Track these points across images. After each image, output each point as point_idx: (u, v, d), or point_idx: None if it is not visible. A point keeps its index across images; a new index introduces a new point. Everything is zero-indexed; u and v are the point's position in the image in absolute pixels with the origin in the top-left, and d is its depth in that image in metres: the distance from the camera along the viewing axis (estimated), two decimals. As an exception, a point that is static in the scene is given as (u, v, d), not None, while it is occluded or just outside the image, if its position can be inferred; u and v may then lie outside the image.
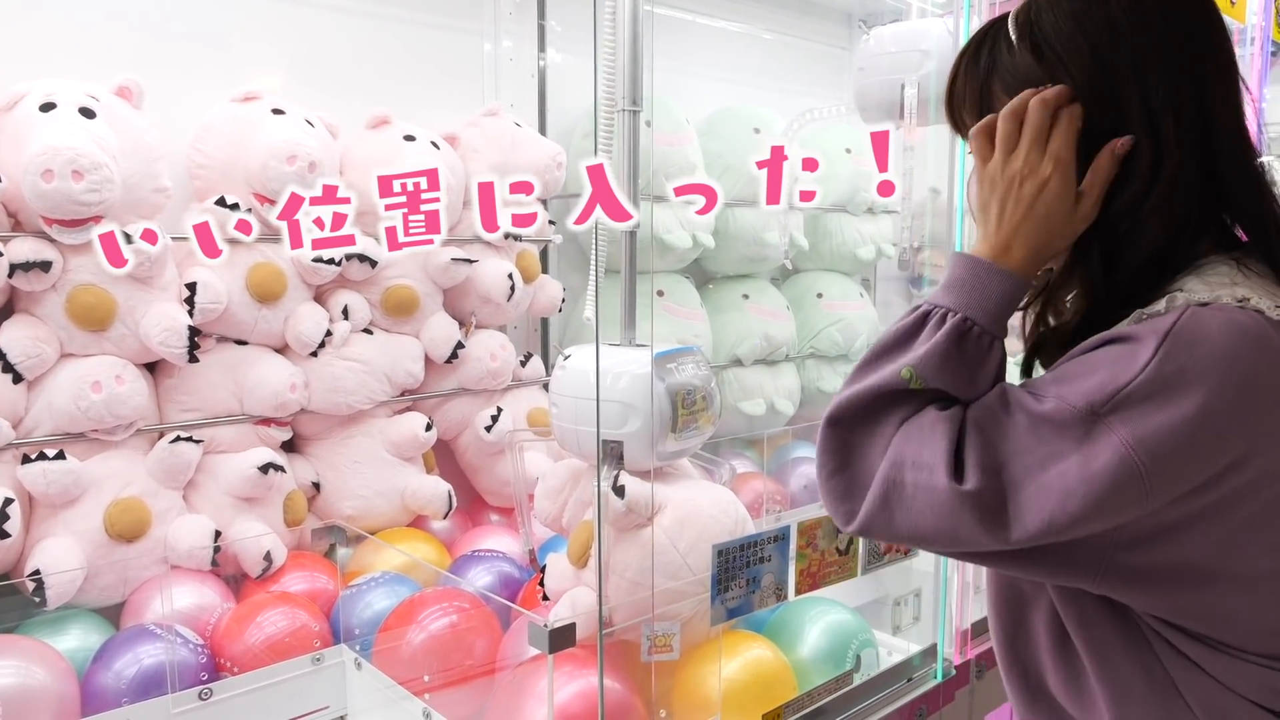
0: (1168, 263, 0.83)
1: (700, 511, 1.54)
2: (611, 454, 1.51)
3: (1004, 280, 0.83)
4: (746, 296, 3.03)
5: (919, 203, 2.82)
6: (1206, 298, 0.76)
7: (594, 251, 1.61)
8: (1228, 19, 2.63)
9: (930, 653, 1.74)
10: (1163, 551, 0.77)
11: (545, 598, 1.65)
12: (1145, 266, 0.83)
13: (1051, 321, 0.92)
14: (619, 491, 1.45)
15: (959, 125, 0.93)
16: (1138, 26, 0.82)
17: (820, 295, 3.24)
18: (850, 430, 0.83)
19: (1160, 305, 0.78)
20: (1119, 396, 0.73)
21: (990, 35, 0.89)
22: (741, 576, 1.34)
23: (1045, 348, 0.91)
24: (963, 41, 1.64)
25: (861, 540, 1.57)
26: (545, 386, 2.58)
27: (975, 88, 0.89)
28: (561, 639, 1.23)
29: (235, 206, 1.92)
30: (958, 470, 0.77)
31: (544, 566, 1.68)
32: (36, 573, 1.68)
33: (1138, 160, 0.81)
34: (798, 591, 1.44)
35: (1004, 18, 0.88)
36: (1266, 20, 2.84)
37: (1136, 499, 0.73)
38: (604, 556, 1.47)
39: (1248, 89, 0.89)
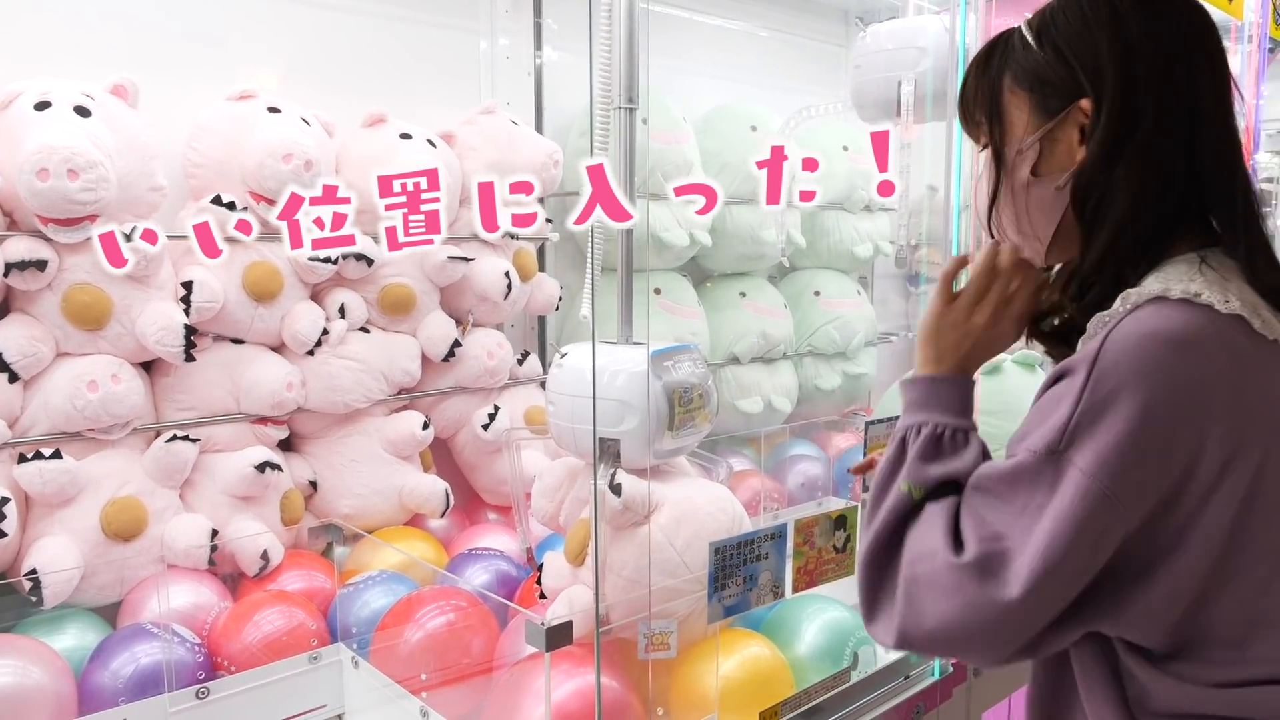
0: (1142, 251, 0.86)
1: (697, 509, 1.54)
2: (608, 452, 1.51)
3: (955, 385, 0.95)
4: (744, 294, 3.03)
5: (916, 200, 2.82)
6: (1158, 291, 0.80)
7: (590, 249, 1.60)
8: (1226, 15, 2.64)
9: (927, 650, 1.74)
10: (1179, 569, 0.79)
11: (543, 596, 1.65)
12: (1116, 248, 0.86)
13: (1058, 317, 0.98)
14: (616, 490, 1.45)
15: (970, 123, 0.98)
16: (1139, 20, 0.86)
17: (818, 293, 3.24)
18: (879, 565, 0.88)
19: (1118, 304, 0.82)
20: (1068, 431, 0.78)
21: (1002, 41, 0.95)
22: (739, 574, 1.34)
23: (1065, 338, 0.95)
24: (960, 38, 1.65)
25: (859, 538, 1.57)
26: (542, 385, 2.57)
27: (987, 85, 0.94)
28: (559, 637, 1.23)
29: (232, 205, 1.92)
30: (958, 548, 0.82)
31: (541, 565, 1.68)
32: (33, 572, 1.68)
33: (1105, 132, 0.86)
34: (795, 589, 1.44)
35: (1012, 30, 0.94)
36: (1264, 17, 2.84)
37: (1114, 518, 0.77)
38: (601, 555, 1.47)
39: (1240, 93, 0.91)
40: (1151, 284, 0.82)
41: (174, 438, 1.89)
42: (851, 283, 3.38)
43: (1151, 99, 0.85)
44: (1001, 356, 2.60)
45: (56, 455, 1.74)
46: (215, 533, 1.88)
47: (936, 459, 0.90)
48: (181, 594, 1.82)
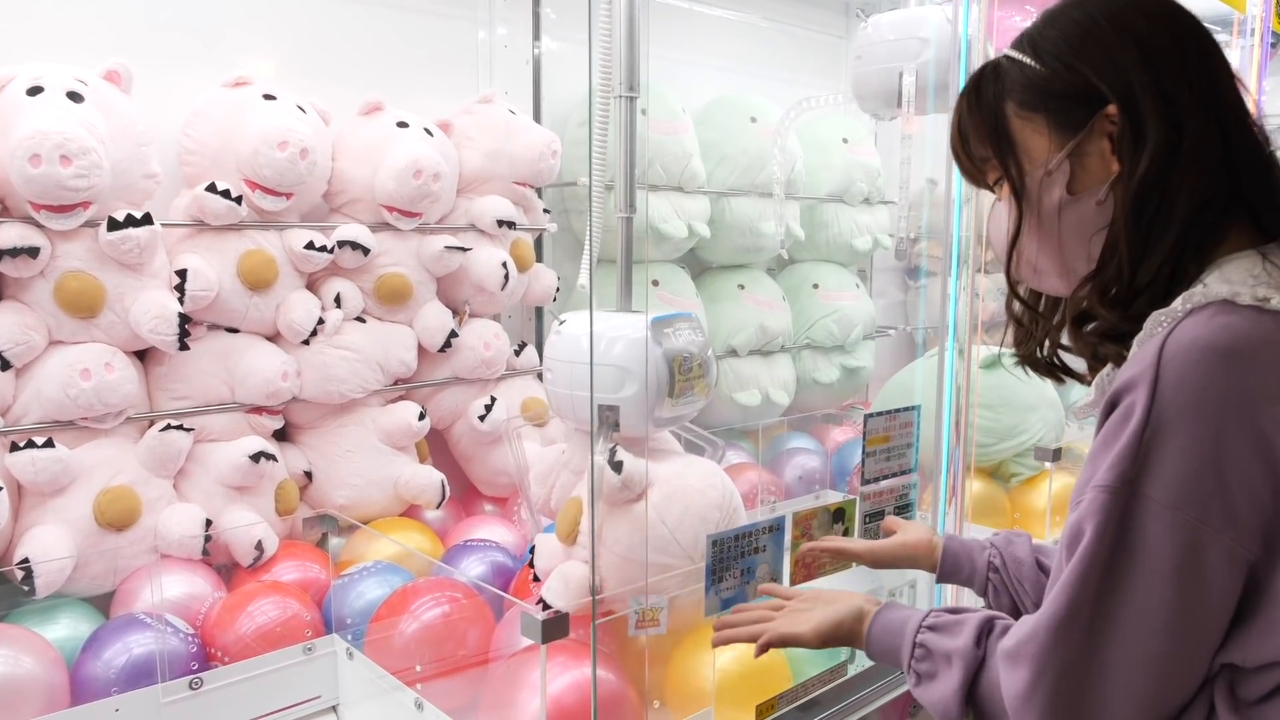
0: (1195, 248, 0.82)
1: (688, 486, 1.54)
2: (606, 420, 1.49)
3: (873, 630, 1.01)
4: (742, 287, 3.02)
5: (916, 193, 2.80)
6: (1225, 294, 0.76)
7: (589, 213, 1.57)
8: (1229, 9, 2.62)
9: (925, 644, 1.73)
10: None
11: (535, 579, 1.64)
12: (1180, 252, 0.82)
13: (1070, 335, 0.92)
14: (617, 467, 1.44)
15: (972, 163, 0.94)
16: (1142, 22, 0.84)
17: (816, 286, 3.23)
18: None
19: (1177, 304, 0.78)
20: (1138, 460, 0.73)
21: (989, 71, 0.91)
22: (736, 567, 1.33)
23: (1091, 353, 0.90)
24: (963, 29, 1.62)
25: (857, 531, 1.56)
26: (539, 376, 2.56)
27: (984, 118, 0.91)
28: (555, 629, 1.22)
29: (226, 193, 1.90)
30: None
31: (532, 547, 1.67)
32: (25, 561, 1.67)
33: (1156, 138, 0.82)
34: (792, 582, 1.43)
35: (1000, 55, 0.91)
36: (1266, 11, 2.83)
37: (1220, 547, 0.72)
38: (596, 528, 1.46)
39: (1244, 86, 0.89)
40: (1216, 285, 0.78)
41: (168, 427, 1.88)
42: (850, 276, 3.37)
43: (1185, 91, 0.82)
44: (997, 350, 2.59)
45: (49, 444, 1.72)
46: (209, 523, 1.87)
47: (930, 685, 0.93)
48: (175, 584, 1.81)
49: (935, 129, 2.21)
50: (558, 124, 2.66)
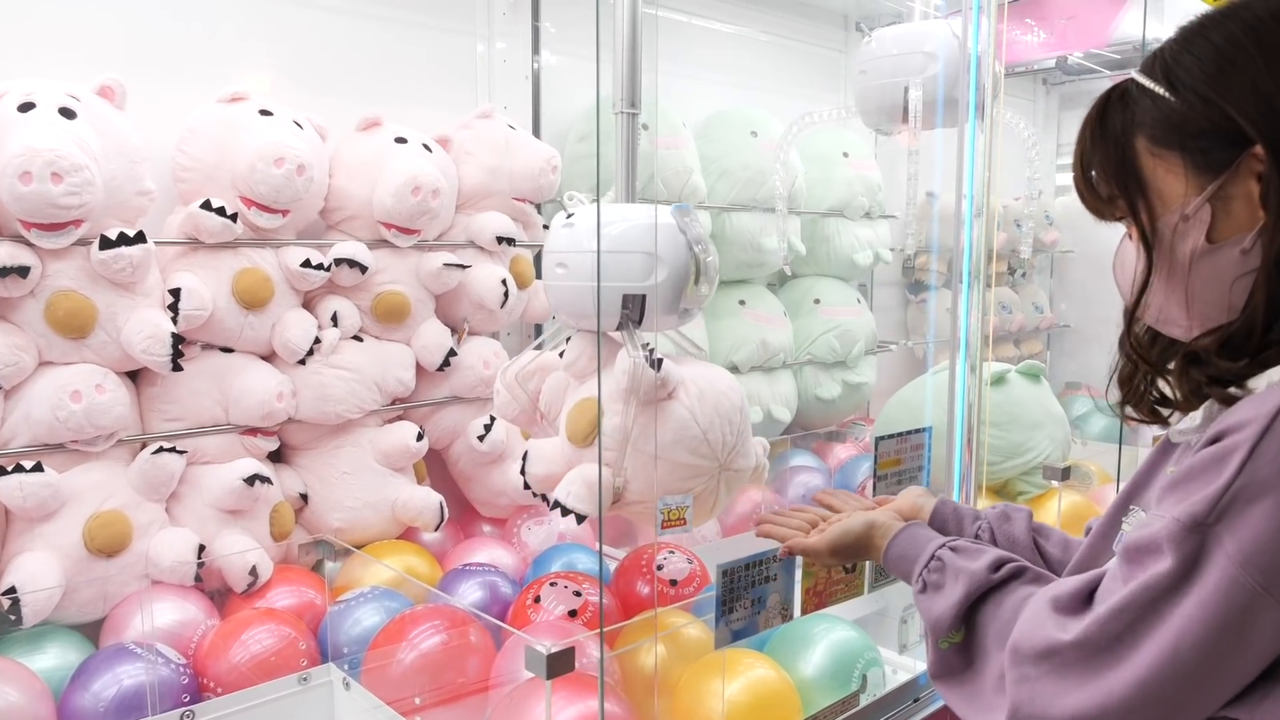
0: None
1: (715, 387, 1.52)
2: (628, 316, 1.46)
3: (896, 544, 1.05)
4: (743, 302, 2.99)
5: (921, 206, 2.78)
6: None
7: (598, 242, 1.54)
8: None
9: (936, 671, 1.69)
10: None
11: (527, 487, 1.59)
12: None
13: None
14: (656, 364, 1.41)
15: (1096, 198, 0.86)
16: None
17: (818, 301, 3.20)
18: (960, 692, 0.92)
19: None
20: (1220, 505, 0.70)
21: (1116, 98, 0.83)
22: (746, 597, 1.29)
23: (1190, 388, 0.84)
24: (971, 43, 1.60)
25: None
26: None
27: (1111, 153, 0.83)
28: (560, 664, 1.17)
29: (221, 210, 1.87)
30: (1064, 625, 0.79)
31: (525, 454, 1.60)
32: (12, 590, 1.62)
33: None
34: (804, 611, 1.39)
35: (1127, 79, 0.83)
36: None
37: (1265, 612, 0.69)
38: (623, 431, 1.43)
39: None
40: None
41: (160, 449, 1.83)
42: (851, 290, 3.34)
43: None
44: (1005, 367, 2.56)
45: (38, 468, 1.68)
46: (202, 548, 1.83)
47: (935, 595, 0.95)
48: (167, 611, 1.76)
49: (936, 143, 2.19)
50: (557, 139, 2.63)
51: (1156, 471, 0.88)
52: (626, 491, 1.45)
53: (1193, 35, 0.79)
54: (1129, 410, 0.90)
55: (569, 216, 1.53)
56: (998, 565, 0.92)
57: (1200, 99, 0.77)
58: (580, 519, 1.41)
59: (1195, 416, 0.83)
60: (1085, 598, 0.80)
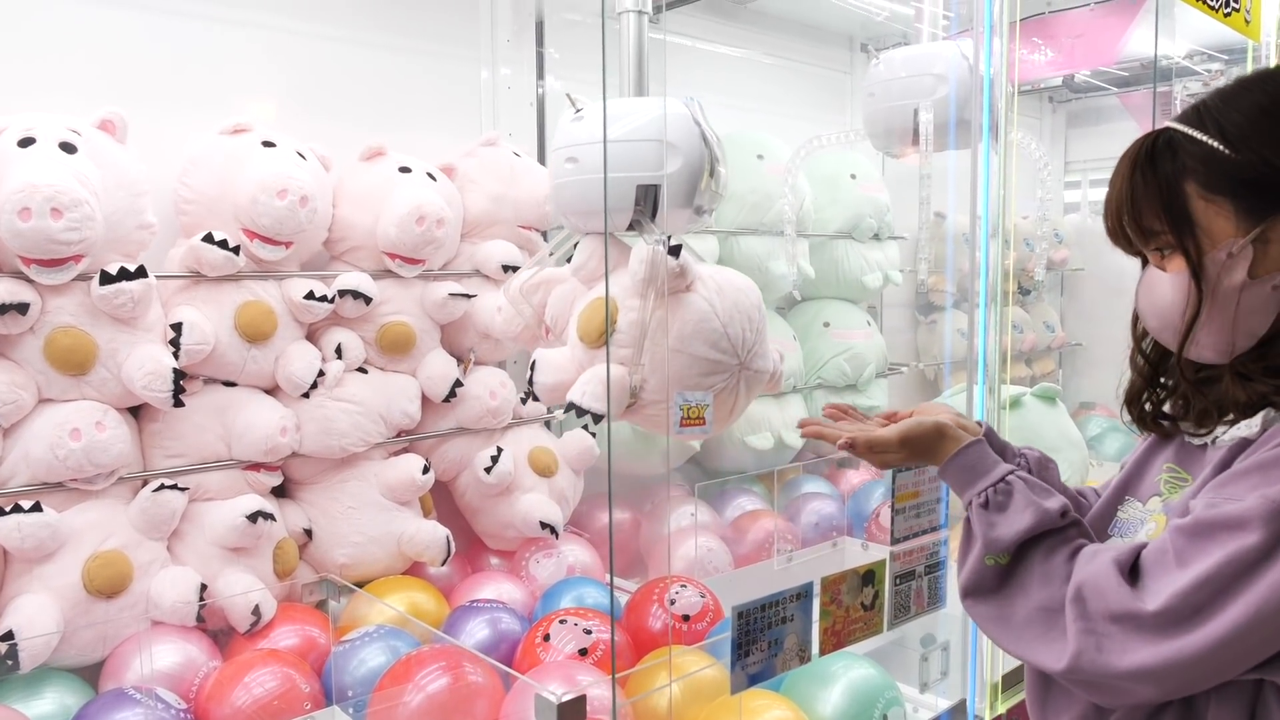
0: None
1: (734, 284, 1.49)
2: (641, 210, 1.42)
3: (964, 454, 1.04)
4: (752, 327, 2.95)
5: (931, 227, 2.74)
6: None
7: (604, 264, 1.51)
8: (1243, 37, 2.58)
9: (960, 709, 1.64)
10: None
11: (535, 398, 1.55)
12: None
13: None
14: (674, 251, 1.37)
15: (1138, 231, 0.94)
16: None
17: (827, 324, 3.16)
18: (995, 615, 0.96)
19: None
20: None
21: (1162, 142, 0.92)
22: (763, 639, 1.25)
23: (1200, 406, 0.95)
24: (984, 65, 1.57)
25: (888, 593, 1.47)
26: (547, 424, 2.49)
27: (1161, 194, 0.91)
28: (571, 714, 1.13)
29: (224, 243, 1.84)
30: (1141, 590, 0.84)
31: (533, 363, 1.56)
32: (9, 634, 1.58)
33: None
34: (822, 651, 1.34)
35: (1166, 129, 0.93)
36: (1280, 40, 2.79)
37: None
38: (639, 326, 1.39)
39: None
40: None
41: (161, 486, 1.80)
42: (861, 313, 3.30)
43: None
44: (1021, 390, 2.52)
45: (37, 508, 1.65)
46: (204, 588, 1.79)
47: (998, 514, 0.97)
48: (168, 653, 1.72)
49: (953, 162, 2.15)
50: (563, 165, 2.61)
51: (1149, 467, 1.00)
52: (644, 390, 1.42)
53: (1237, 93, 0.90)
54: (1137, 423, 1.01)
55: (578, 111, 1.50)
56: (1064, 511, 0.97)
57: (1255, 154, 0.87)
58: (597, 419, 1.36)
59: (1253, 423, 0.90)
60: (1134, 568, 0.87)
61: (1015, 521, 0.96)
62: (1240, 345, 0.91)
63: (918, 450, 1.09)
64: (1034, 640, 0.90)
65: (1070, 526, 0.97)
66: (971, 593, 0.98)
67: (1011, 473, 1.01)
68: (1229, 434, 0.91)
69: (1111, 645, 0.84)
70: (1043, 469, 1.16)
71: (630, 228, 1.47)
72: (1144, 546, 0.88)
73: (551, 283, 1.63)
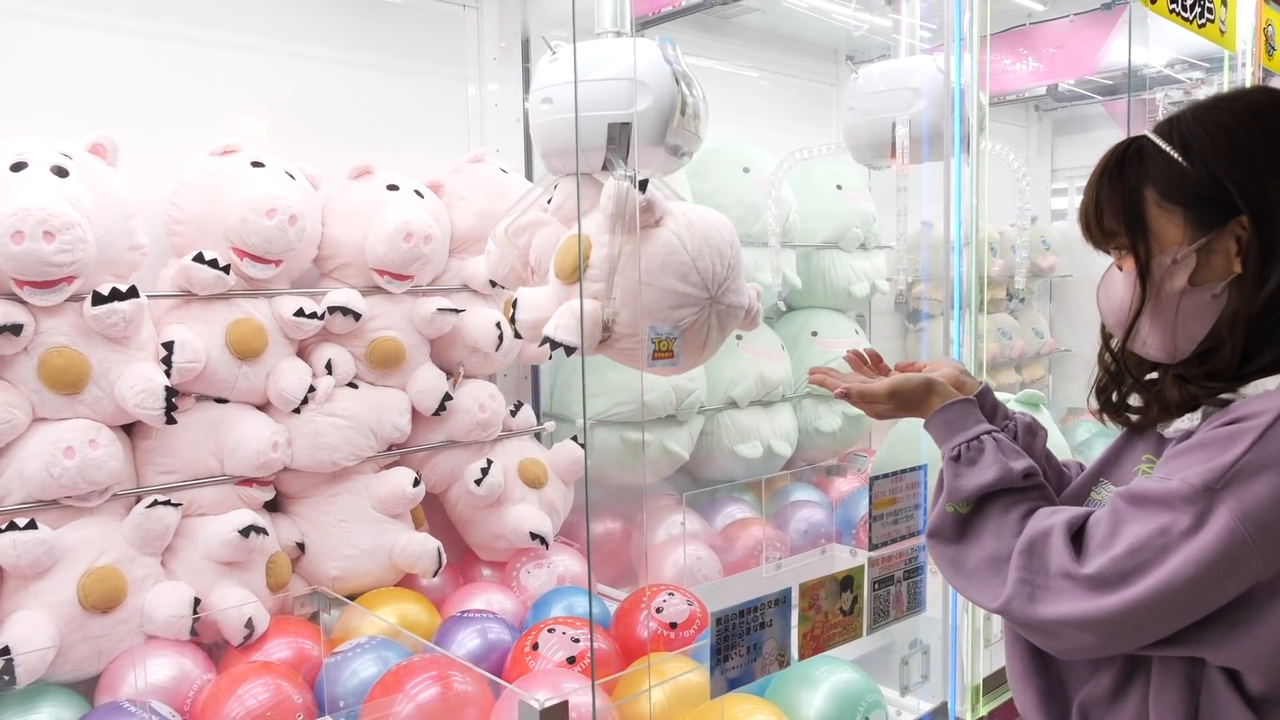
0: None
1: (704, 220, 1.52)
2: (614, 149, 1.45)
3: (948, 410, 1.11)
4: (740, 337, 2.98)
5: (913, 236, 2.78)
6: None
7: (579, 282, 1.54)
8: (1219, 48, 2.62)
9: (941, 712, 1.67)
10: None
11: (517, 335, 1.59)
12: None
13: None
14: (641, 186, 1.40)
15: (1098, 231, 1.01)
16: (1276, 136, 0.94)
17: (815, 333, 3.19)
18: (949, 557, 1.04)
19: None
20: (1229, 473, 0.85)
21: (1132, 151, 0.98)
22: (741, 645, 1.28)
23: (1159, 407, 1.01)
24: (954, 77, 1.62)
25: (867, 599, 1.50)
26: (537, 436, 2.52)
27: (1123, 198, 0.98)
28: (554, 718, 1.16)
29: (214, 263, 1.88)
30: (1080, 552, 0.92)
31: (514, 302, 1.60)
32: (5, 650, 1.61)
33: None
34: (801, 656, 1.37)
35: (1141, 137, 0.99)
36: (1255, 48, 2.84)
37: (1249, 565, 0.84)
38: (610, 260, 1.42)
39: None
40: None
41: (155, 502, 1.83)
42: (849, 322, 3.33)
43: None
44: (1005, 396, 2.55)
45: (31, 525, 1.67)
46: (198, 602, 1.81)
47: (966, 468, 1.04)
48: (162, 666, 1.75)
49: (931, 175, 2.19)
50: (550, 180, 2.64)
51: (1126, 455, 1.06)
52: (615, 324, 1.45)
53: (1209, 110, 0.96)
54: (1105, 416, 1.07)
55: (554, 54, 1.54)
56: (1029, 474, 1.03)
57: (1209, 172, 0.93)
58: (569, 352, 1.40)
59: (1194, 418, 0.96)
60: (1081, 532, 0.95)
61: (980, 475, 1.03)
62: (1182, 348, 0.97)
63: (905, 403, 1.15)
64: (979, 583, 0.99)
65: (1032, 489, 1.03)
66: (933, 535, 1.06)
67: (988, 432, 1.07)
68: (1174, 426, 0.98)
69: (1045, 596, 0.92)
70: (1030, 435, 1.22)
71: (605, 167, 1.51)
72: (1091, 513, 0.95)
73: (536, 226, 1.66)
